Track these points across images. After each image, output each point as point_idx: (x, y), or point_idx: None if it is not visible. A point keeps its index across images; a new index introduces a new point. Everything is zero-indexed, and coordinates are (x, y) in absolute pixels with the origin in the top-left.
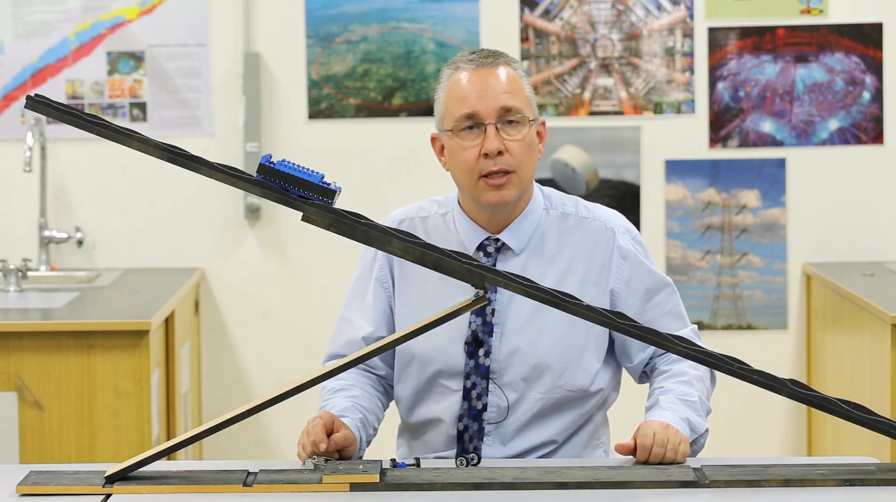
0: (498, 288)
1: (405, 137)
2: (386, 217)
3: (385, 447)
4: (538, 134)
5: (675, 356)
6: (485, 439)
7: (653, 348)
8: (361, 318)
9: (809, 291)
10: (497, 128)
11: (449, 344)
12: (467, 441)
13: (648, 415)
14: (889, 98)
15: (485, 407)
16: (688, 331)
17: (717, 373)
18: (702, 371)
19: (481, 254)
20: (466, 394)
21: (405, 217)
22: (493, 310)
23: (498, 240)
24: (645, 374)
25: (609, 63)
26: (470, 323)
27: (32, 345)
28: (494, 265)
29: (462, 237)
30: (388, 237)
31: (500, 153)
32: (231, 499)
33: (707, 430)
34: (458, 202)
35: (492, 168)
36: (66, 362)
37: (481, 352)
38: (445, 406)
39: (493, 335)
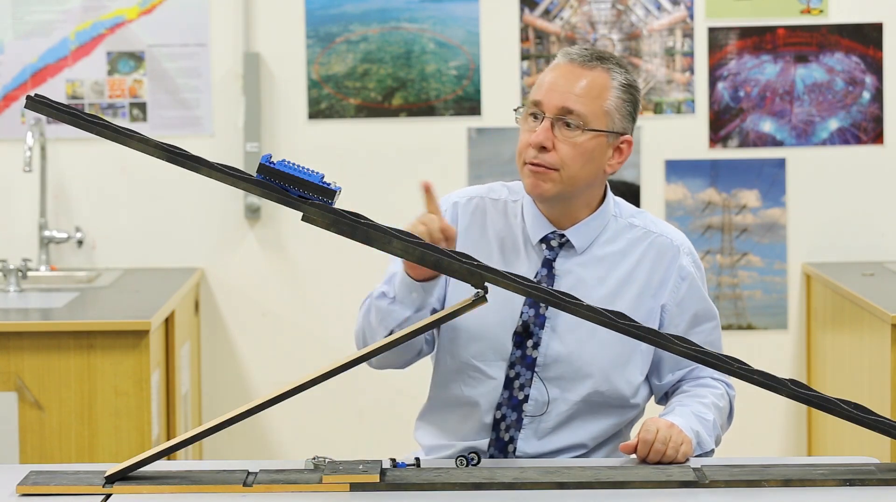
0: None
1: (405, 137)
2: (452, 193)
3: (386, 446)
4: (618, 149)
5: (701, 382)
6: (521, 431)
7: (683, 372)
8: None
9: (809, 291)
10: (553, 125)
11: (498, 329)
12: (503, 430)
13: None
14: (889, 98)
15: (526, 397)
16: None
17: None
18: (722, 402)
19: (544, 246)
20: (508, 383)
21: (475, 195)
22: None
23: (563, 236)
24: (666, 396)
25: None
26: (522, 313)
27: (32, 345)
28: (555, 260)
29: (528, 227)
30: (388, 237)
31: (544, 148)
32: (231, 499)
33: (713, 451)
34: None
35: (532, 159)
36: (66, 362)
37: (529, 342)
38: (479, 391)
39: (544, 328)
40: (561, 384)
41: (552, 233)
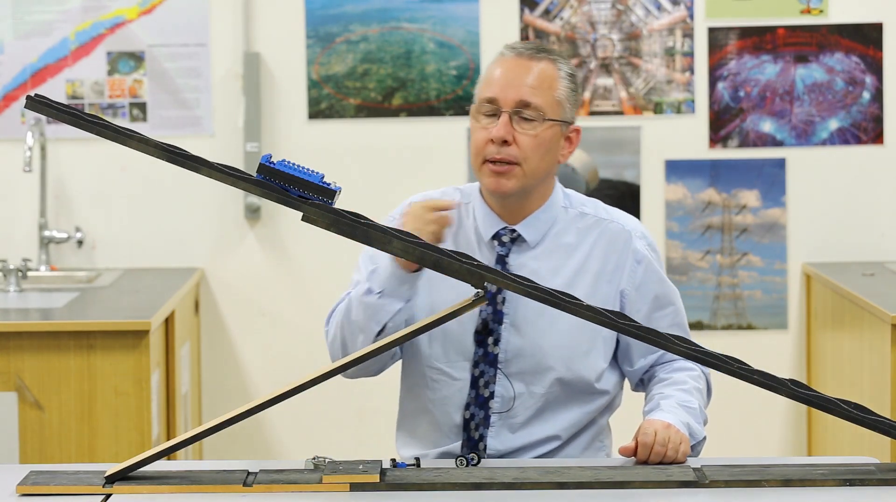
0: None
1: (405, 137)
2: (406, 200)
3: (384, 447)
4: (568, 139)
5: (675, 366)
6: (490, 429)
7: (655, 356)
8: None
9: (809, 291)
10: (511, 119)
11: (459, 330)
12: (473, 429)
13: (649, 417)
14: (889, 98)
15: (492, 394)
16: None
17: (717, 374)
18: (701, 384)
19: (496, 242)
20: (474, 382)
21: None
22: (504, 299)
23: (514, 230)
24: (642, 382)
25: (609, 63)
26: (480, 311)
27: (32, 345)
28: (507, 255)
29: (479, 225)
30: (388, 237)
31: (505, 142)
32: (231, 499)
33: (705, 438)
34: (480, 191)
35: (495, 155)
36: (66, 362)
37: (490, 340)
38: (444, 395)
39: (503, 324)
40: (524, 378)
41: (503, 228)
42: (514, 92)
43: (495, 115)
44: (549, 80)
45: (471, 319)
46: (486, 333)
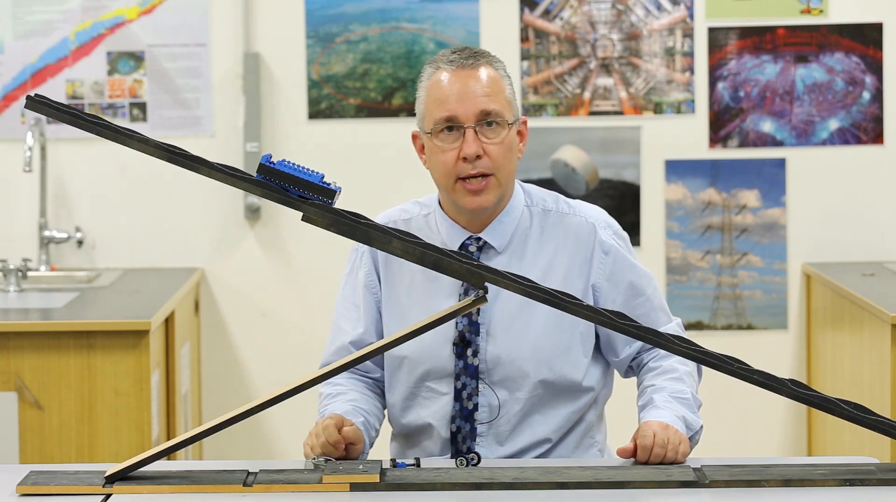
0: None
1: (405, 137)
2: (382, 213)
3: (386, 446)
4: (519, 133)
5: (662, 352)
6: (478, 439)
7: (639, 343)
8: (351, 324)
9: (809, 291)
10: (476, 132)
11: (437, 346)
12: (461, 442)
13: (644, 415)
14: (889, 98)
15: (476, 406)
16: (673, 326)
17: (717, 374)
18: (690, 366)
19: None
20: (457, 395)
21: (388, 220)
22: (479, 310)
23: (480, 239)
24: (631, 369)
25: (609, 63)
26: (457, 323)
27: (32, 345)
28: None
29: (444, 237)
30: (388, 237)
31: (478, 157)
32: (231, 499)
33: (702, 427)
34: (439, 202)
35: (470, 171)
36: (66, 362)
37: (469, 351)
38: (434, 410)
39: (480, 334)
40: (507, 385)
41: (468, 238)
42: (471, 105)
43: (455, 131)
44: (496, 83)
45: (447, 333)
46: (465, 345)
